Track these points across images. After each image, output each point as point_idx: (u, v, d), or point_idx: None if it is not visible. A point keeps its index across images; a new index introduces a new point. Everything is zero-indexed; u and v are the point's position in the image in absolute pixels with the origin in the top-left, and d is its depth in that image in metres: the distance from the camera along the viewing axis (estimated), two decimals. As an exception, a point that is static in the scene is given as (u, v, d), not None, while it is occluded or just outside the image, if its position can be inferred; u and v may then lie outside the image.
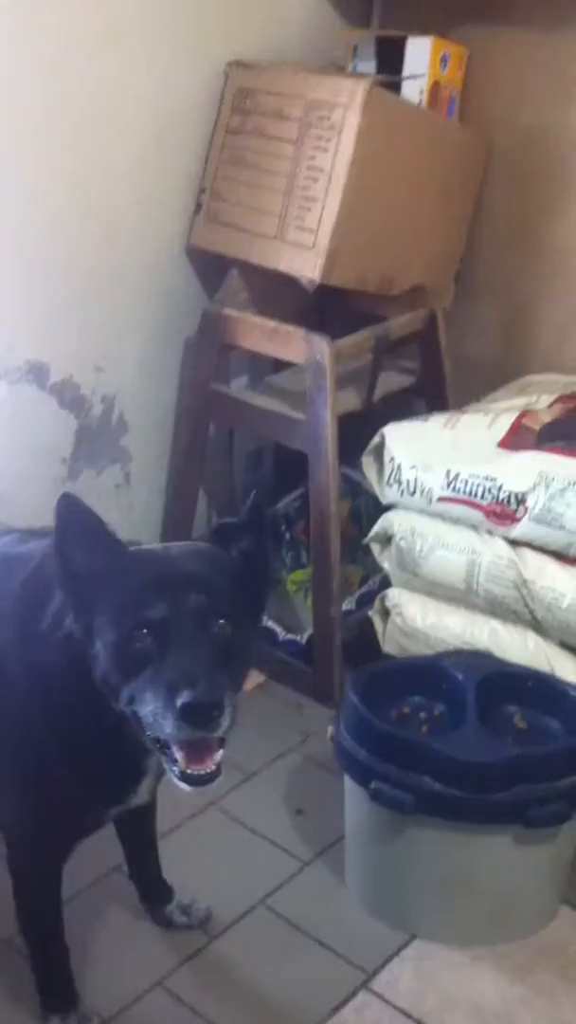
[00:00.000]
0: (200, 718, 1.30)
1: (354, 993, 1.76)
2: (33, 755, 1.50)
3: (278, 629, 2.49)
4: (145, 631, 1.34)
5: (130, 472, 2.59)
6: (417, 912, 1.86)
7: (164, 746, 1.36)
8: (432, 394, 2.50)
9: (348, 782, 1.89)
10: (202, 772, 1.35)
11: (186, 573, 1.39)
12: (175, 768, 1.36)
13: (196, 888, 1.90)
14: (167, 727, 1.31)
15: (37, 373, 2.32)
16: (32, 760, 1.51)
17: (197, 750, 1.35)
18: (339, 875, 1.97)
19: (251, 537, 1.46)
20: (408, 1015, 1.73)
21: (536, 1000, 1.76)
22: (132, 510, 2.62)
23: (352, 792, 1.89)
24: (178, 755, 1.35)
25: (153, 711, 1.32)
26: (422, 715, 1.93)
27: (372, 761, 1.81)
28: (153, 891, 1.87)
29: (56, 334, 2.32)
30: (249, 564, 1.46)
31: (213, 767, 1.36)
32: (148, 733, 1.35)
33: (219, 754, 1.36)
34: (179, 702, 1.28)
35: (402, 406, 2.47)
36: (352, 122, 2.21)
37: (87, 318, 2.37)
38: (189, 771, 1.35)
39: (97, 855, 1.81)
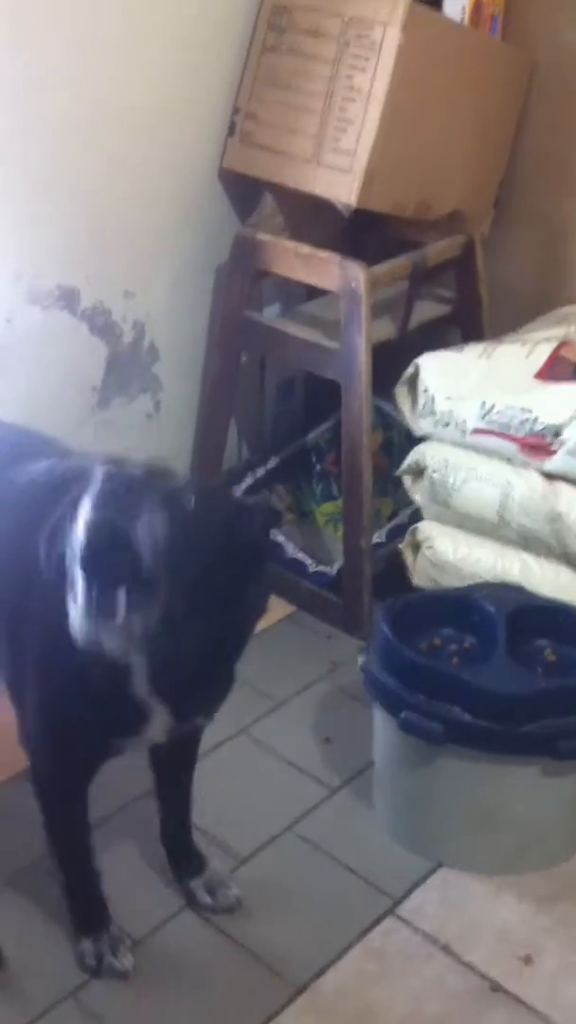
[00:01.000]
0: (96, 533, 1.30)
1: (380, 919, 1.78)
2: (52, 671, 1.52)
3: (308, 560, 2.48)
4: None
5: (160, 401, 2.57)
6: (444, 841, 1.88)
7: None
8: (468, 324, 2.45)
9: (377, 711, 1.90)
10: (104, 622, 1.33)
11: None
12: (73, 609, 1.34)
13: (223, 813, 1.91)
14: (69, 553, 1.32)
15: (68, 298, 2.29)
16: (50, 676, 1.53)
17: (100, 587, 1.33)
18: (367, 803, 1.99)
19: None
20: (434, 940, 1.74)
21: (560, 930, 1.77)
22: (162, 440, 2.60)
23: (381, 721, 1.89)
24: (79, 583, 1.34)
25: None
26: (452, 647, 1.92)
27: (402, 691, 1.80)
28: (181, 860, 1.81)
29: (86, 258, 2.29)
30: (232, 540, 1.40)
31: (120, 620, 1.33)
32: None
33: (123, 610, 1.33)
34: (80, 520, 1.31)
35: (436, 336, 2.43)
36: (392, 40, 2.15)
37: (117, 242, 2.34)
38: (88, 607, 1.33)
39: (127, 779, 1.82)
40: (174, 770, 1.76)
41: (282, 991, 1.66)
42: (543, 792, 1.81)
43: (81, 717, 1.51)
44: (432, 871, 1.86)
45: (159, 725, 1.52)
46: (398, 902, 1.81)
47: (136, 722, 1.50)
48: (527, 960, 1.71)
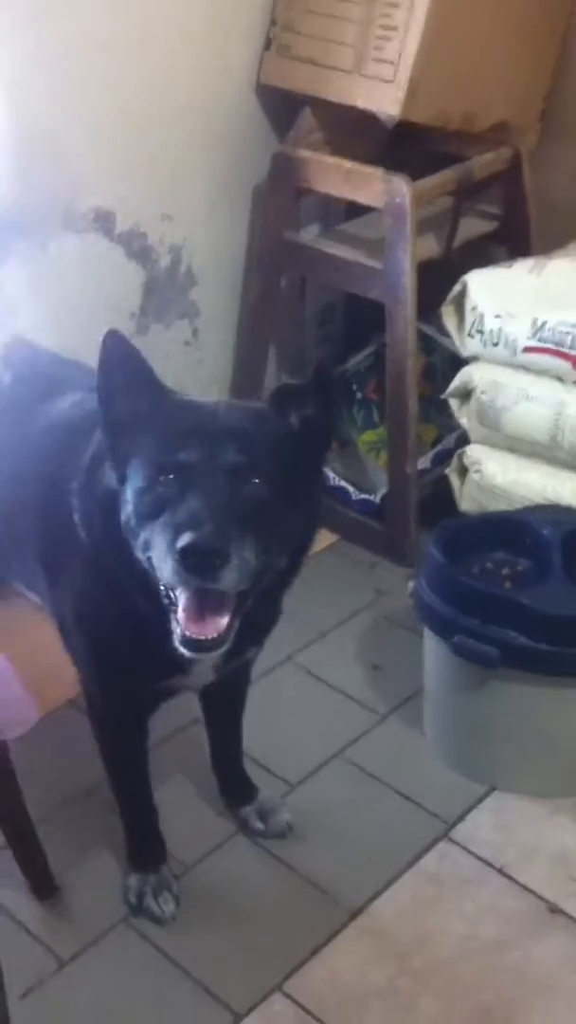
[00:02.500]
0: (199, 563, 1.21)
1: (434, 843, 1.77)
2: (94, 617, 1.48)
3: (351, 488, 2.44)
4: (172, 476, 1.27)
5: (199, 327, 2.51)
6: (497, 765, 1.85)
7: (174, 602, 1.29)
8: (515, 240, 2.37)
9: (428, 637, 1.87)
10: (201, 637, 1.28)
11: (228, 426, 1.31)
12: (176, 629, 1.29)
13: (272, 740, 1.90)
14: (167, 571, 1.24)
15: (104, 221, 2.23)
16: (93, 622, 1.49)
17: (199, 608, 1.27)
18: (416, 729, 1.96)
19: (314, 403, 1.35)
20: (489, 864, 1.73)
21: (618, 851, 1.76)
22: (201, 367, 2.56)
23: (432, 647, 1.86)
24: (181, 614, 1.28)
25: (159, 554, 1.25)
26: (504, 571, 1.88)
27: (455, 615, 1.77)
28: (233, 789, 1.80)
29: (121, 180, 2.23)
30: (308, 432, 1.35)
31: (215, 634, 1.28)
32: (161, 586, 1.29)
33: (224, 620, 1.28)
34: (179, 543, 1.21)
35: (481, 255, 2.35)
36: None
37: (153, 164, 2.27)
38: (188, 633, 1.28)
39: (180, 705, 1.79)
40: (224, 700, 1.73)
41: (337, 915, 1.66)
42: (599, 715, 1.78)
43: (130, 665, 1.48)
44: (486, 795, 1.84)
45: (209, 664, 1.47)
46: (452, 826, 1.79)
47: (188, 665, 1.45)
48: (585, 882, 1.70)
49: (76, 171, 2.15)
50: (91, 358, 2.06)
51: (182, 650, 1.30)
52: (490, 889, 1.70)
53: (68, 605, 1.53)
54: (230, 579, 1.24)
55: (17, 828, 1.63)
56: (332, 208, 2.53)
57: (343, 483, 2.44)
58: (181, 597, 1.28)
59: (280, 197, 2.32)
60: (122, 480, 1.33)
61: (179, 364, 2.49)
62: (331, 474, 2.45)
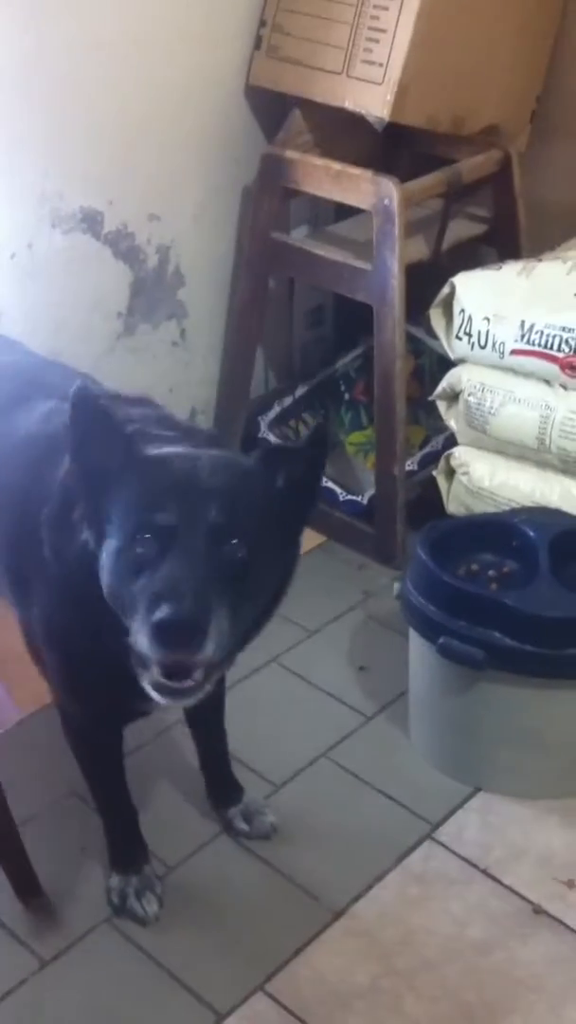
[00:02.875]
0: (175, 637, 1.17)
1: (419, 843, 1.76)
2: (65, 642, 1.47)
3: (338, 490, 2.44)
4: (148, 536, 1.22)
5: (187, 328, 2.51)
6: (483, 765, 1.85)
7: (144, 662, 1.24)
8: (505, 242, 2.38)
9: (414, 638, 1.86)
10: (175, 685, 1.23)
11: (208, 484, 1.26)
12: (147, 676, 1.24)
13: (258, 741, 1.89)
14: (143, 642, 1.19)
15: (91, 221, 2.23)
16: (63, 646, 1.47)
17: (175, 670, 1.22)
18: (402, 730, 1.96)
19: (305, 466, 1.32)
20: (474, 865, 1.73)
21: (604, 853, 1.75)
22: (189, 368, 2.55)
23: (419, 648, 1.86)
24: (155, 668, 1.23)
25: (136, 624, 1.21)
26: (491, 572, 1.88)
27: (441, 617, 1.77)
28: (219, 790, 1.79)
29: (109, 180, 2.23)
30: (293, 495, 1.31)
31: (191, 682, 1.23)
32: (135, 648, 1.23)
33: (200, 671, 1.23)
34: (155, 616, 1.17)
35: (470, 258, 2.35)
36: (426, -58, 2.05)
37: (140, 163, 2.27)
38: (162, 680, 1.22)
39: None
40: (202, 710, 1.68)
41: (320, 915, 1.65)
42: (585, 717, 1.78)
43: (101, 688, 1.45)
44: (471, 796, 1.84)
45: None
46: (437, 827, 1.79)
47: None
48: (570, 884, 1.69)
49: (63, 171, 2.14)
50: (76, 359, 2.08)
51: (155, 696, 1.25)
52: (475, 890, 1.69)
53: (38, 624, 1.50)
54: (207, 652, 1.19)
55: None
56: (321, 209, 2.53)
57: (331, 484, 2.44)
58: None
59: (269, 198, 2.32)
60: (99, 540, 1.29)
61: (167, 365, 2.49)
62: (318, 476, 2.44)
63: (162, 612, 1.16)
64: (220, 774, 1.79)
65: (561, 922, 1.64)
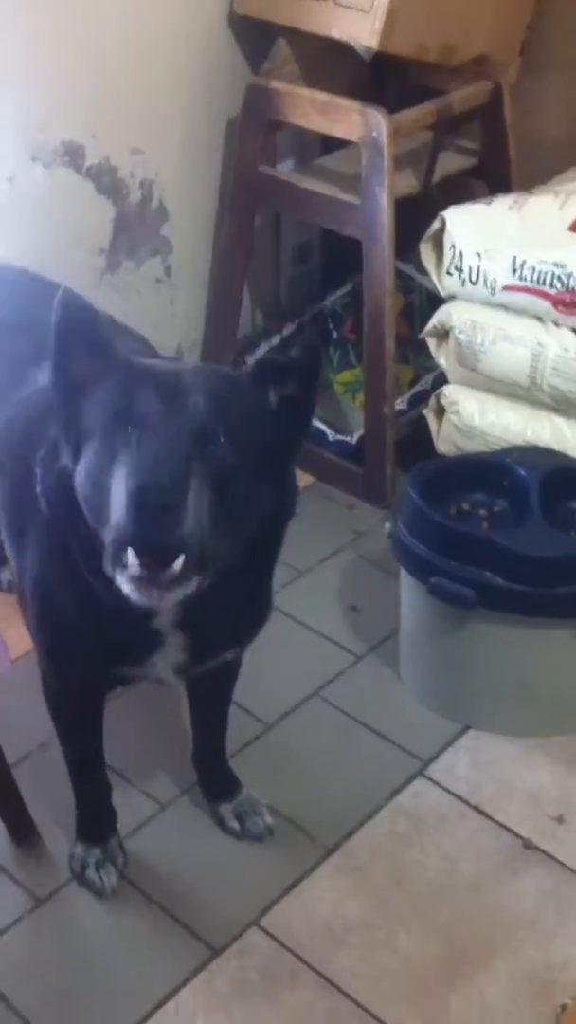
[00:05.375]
0: (150, 511, 1.10)
1: (411, 779, 1.78)
2: (47, 590, 1.43)
3: (327, 430, 2.42)
4: (129, 428, 1.15)
5: (171, 265, 2.47)
6: (473, 704, 1.86)
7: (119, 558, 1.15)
8: (495, 176, 2.33)
9: (405, 578, 1.86)
10: (153, 576, 1.14)
11: (194, 384, 1.19)
12: (123, 575, 1.15)
13: (248, 680, 1.86)
14: (117, 523, 1.12)
15: (73, 155, 2.18)
16: (45, 595, 1.44)
17: (151, 561, 1.13)
18: (393, 669, 1.97)
19: (298, 383, 1.24)
20: (465, 801, 1.74)
21: (593, 790, 1.77)
22: (174, 305, 2.51)
23: (409, 588, 1.86)
24: (129, 555, 1.14)
25: (111, 511, 1.15)
26: (481, 512, 1.87)
27: (432, 556, 1.77)
28: (212, 783, 1.72)
29: (90, 112, 2.17)
30: (285, 413, 1.24)
31: (168, 577, 1.14)
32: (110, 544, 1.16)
33: (178, 564, 1.14)
34: (130, 486, 1.11)
35: (461, 192, 2.32)
36: None
37: (123, 96, 2.21)
38: (138, 572, 1.13)
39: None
40: (207, 695, 1.66)
41: (313, 852, 1.67)
42: None
43: (80, 648, 1.41)
44: (461, 733, 1.85)
45: (170, 662, 1.39)
46: (427, 763, 1.80)
47: (142, 655, 1.37)
48: (560, 820, 1.71)
49: (44, 103, 2.08)
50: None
51: (131, 594, 1.16)
52: (466, 826, 1.71)
53: (26, 574, 1.47)
54: (184, 532, 1.11)
55: (-7, 770, 1.62)
56: (307, 142, 2.48)
57: (320, 424, 2.42)
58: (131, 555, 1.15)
59: (254, 130, 2.27)
60: (77, 454, 1.23)
61: (151, 302, 2.45)
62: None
63: (137, 481, 1.11)
64: (214, 767, 1.72)
65: (552, 857, 1.66)
